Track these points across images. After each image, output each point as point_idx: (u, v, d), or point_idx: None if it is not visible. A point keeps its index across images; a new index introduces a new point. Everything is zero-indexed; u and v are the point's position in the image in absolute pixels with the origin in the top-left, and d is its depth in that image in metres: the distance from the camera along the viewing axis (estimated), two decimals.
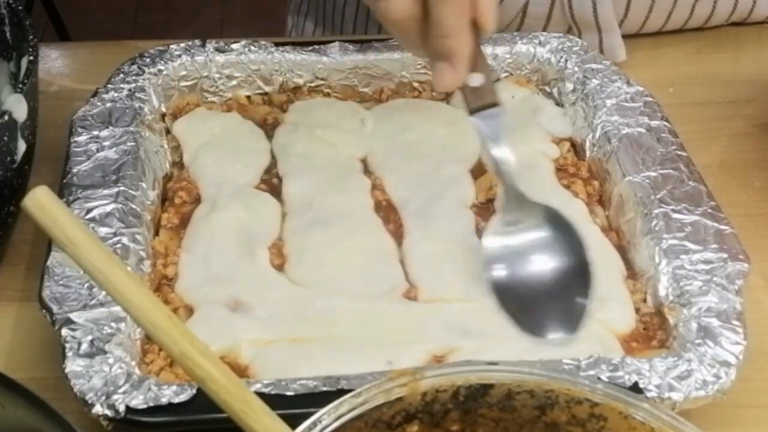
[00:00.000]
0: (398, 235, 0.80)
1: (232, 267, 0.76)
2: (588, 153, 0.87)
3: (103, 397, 0.62)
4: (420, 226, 0.81)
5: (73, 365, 0.64)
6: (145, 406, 0.62)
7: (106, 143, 0.82)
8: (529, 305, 0.73)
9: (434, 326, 0.72)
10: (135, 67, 0.90)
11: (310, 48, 0.94)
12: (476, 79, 0.76)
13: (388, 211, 0.83)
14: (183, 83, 0.92)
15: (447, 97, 0.95)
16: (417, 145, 0.88)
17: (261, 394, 0.54)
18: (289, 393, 0.63)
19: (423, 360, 0.69)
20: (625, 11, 1.04)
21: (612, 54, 1.03)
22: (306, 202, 0.82)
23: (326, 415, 0.49)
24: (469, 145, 0.89)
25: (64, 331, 0.66)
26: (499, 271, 0.74)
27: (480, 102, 0.76)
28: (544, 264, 0.75)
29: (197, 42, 0.93)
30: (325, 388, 0.63)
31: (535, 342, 0.70)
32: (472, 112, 0.77)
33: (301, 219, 0.81)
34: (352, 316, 0.73)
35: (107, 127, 0.84)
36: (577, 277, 0.73)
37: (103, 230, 0.75)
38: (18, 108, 0.74)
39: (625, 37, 1.04)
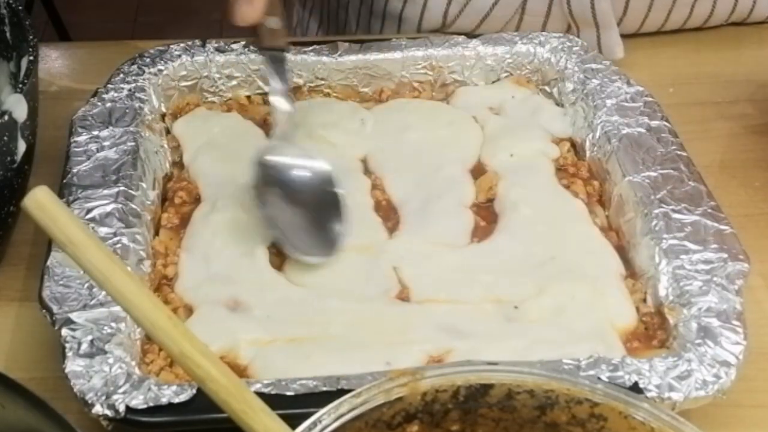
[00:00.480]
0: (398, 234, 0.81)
1: (232, 267, 0.76)
2: (588, 153, 0.87)
3: (103, 397, 0.62)
4: (417, 226, 0.81)
5: (73, 365, 0.64)
6: (145, 406, 0.62)
7: (106, 143, 0.82)
8: (294, 226, 0.78)
9: (431, 327, 0.72)
10: (135, 67, 0.90)
11: (310, 48, 0.94)
12: (273, 22, 0.83)
13: (387, 211, 0.83)
14: (183, 83, 0.92)
15: (447, 97, 0.95)
16: (417, 145, 0.88)
17: (261, 394, 0.54)
18: (289, 393, 0.63)
19: (421, 360, 0.69)
20: (624, 9, 1.05)
21: (610, 51, 1.03)
22: None
23: (326, 415, 0.49)
24: (469, 145, 0.89)
25: (64, 331, 0.66)
26: (273, 189, 0.79)
27: (273, 42, 0.84)
28: (307, 194, 0.80)
29: (197, 42, 0.93)
30: (325, 388, 0.63)
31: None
32: (263, 50, 0.85)
33: None
34: (350, 317, 0.73)
35: (107, 127, 0.84)
36: (332, 210, 0.79)
37: (103, 230, 0.75)
38: (18, 108, 0.74)
39: (624, 36, 1.05)
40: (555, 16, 1.05)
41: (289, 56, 0.93)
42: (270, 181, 0.79)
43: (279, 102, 0.83)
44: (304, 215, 0.80)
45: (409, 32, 1.08)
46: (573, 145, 0.90)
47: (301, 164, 0.81)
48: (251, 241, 0.78)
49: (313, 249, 0.77)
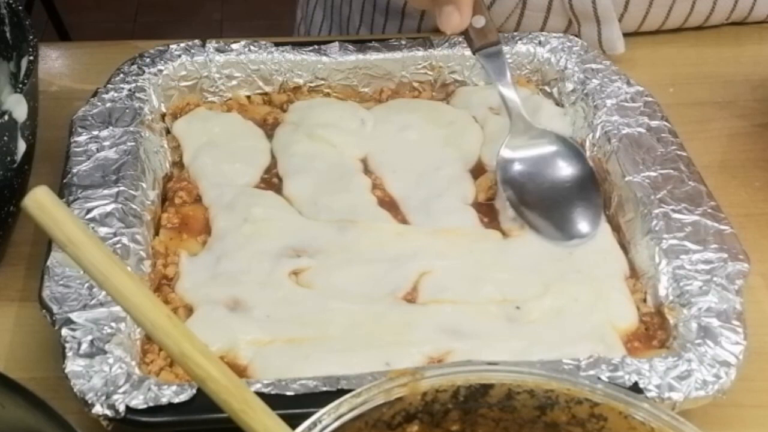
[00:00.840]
0: None
1: (237, 267, 0.76)
2: (588, 153, 0.87)
3: (103, 397, 0.62)
4: (422, 225, 0.81)
5: (73, 365, 0.64)
6: (145, 406, 0.62)
7: (106, 143, 0.82)
8: (548, 211, 0.80)
9: (432, 328, 0.72)
10: (135, 67, 0.90)
11: (310, 48, 0.94)
12: (479, 21, 0.86)
13: (390, 210, 0.82)
14: (183, 83, 0.92)
15: (447, 97, 0.95)
16: (417, 145, 0.88)
17: (261, 394, 0.54)
18: (289, 393, 0.63)
19: (420, 362, 0.69)
20: (624, 4, 1.04)
21: (611, 46, 1.03)
22: (311, 202, 0.82)
23: (326, 415, 0.49)
24: (469, 145, 0.89)
25: (64, 331, 0.66)
26: (516, 179, 0.81)
27: (483, 41, 0.86)
28: (555, 174, 0.82)
29: (197, 42, 0.93)
30: (325, 388, 0.63)
31: (561, 246, 0.78)
32: (476, 50, 0.87)
33: None
34: (350, 318, 0.73)
35: (107, 127, 0.83)
36: (584, 184, 0.82)
37: (103, 230, 0.75)
38: (18, 108, 0.74)
39: (625, 35, 1.04)
40: (556, 11, 1.05)
41: (292, 57, 0.93)
42: (514, 178, 0.82)
43: (509, 94, 0.84)
44: (556, 194, 0.81)
45: (412, 27, 1.09)
46: None
47: (546, 147, 0.83)
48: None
49: (572, 226, 0.79)
